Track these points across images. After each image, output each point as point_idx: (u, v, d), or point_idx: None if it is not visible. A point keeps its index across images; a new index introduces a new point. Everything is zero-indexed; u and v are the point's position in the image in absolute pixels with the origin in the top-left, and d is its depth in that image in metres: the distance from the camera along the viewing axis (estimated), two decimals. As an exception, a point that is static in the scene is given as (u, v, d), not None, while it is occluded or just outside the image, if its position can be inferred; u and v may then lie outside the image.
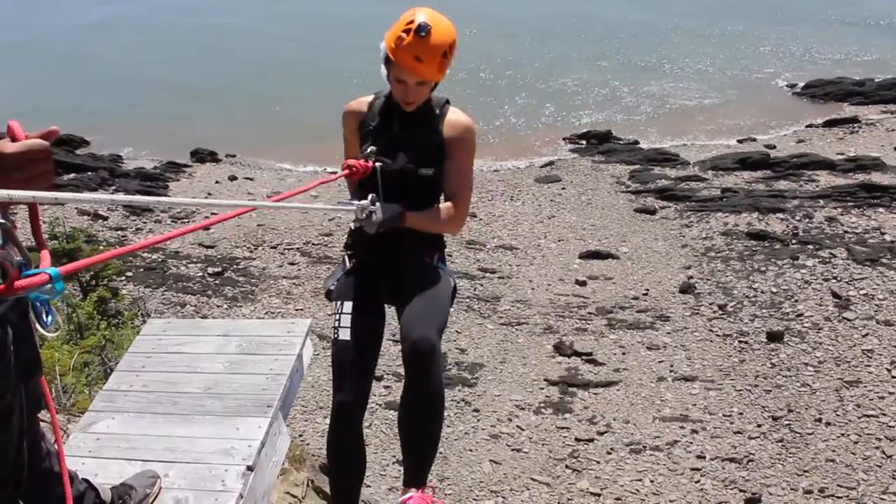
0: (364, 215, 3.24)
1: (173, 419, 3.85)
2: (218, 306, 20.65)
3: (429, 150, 3.41)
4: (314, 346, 18.59)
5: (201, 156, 32.24)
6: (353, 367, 3.51)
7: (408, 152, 3.41)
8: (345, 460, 3.52)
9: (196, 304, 20.89)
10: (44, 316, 2.17)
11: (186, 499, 3.35)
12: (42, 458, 2.71)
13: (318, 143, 32.18)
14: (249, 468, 3.46)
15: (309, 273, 22.52)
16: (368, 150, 3.46)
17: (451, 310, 3.65)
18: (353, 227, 3.58)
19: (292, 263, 23.08)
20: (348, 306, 3.64)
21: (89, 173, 29.43)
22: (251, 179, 29.82)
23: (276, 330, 4.62)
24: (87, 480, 3.00)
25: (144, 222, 25.89)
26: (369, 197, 3.27)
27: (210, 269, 22.80)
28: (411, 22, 3.10)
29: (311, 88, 37.57)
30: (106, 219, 25.81)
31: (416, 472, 3.20)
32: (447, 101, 3.50)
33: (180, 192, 28.44)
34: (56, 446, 2.79)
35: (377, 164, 3.43)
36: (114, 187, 28.37)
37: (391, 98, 3.51)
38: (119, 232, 25.06)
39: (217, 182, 29.49)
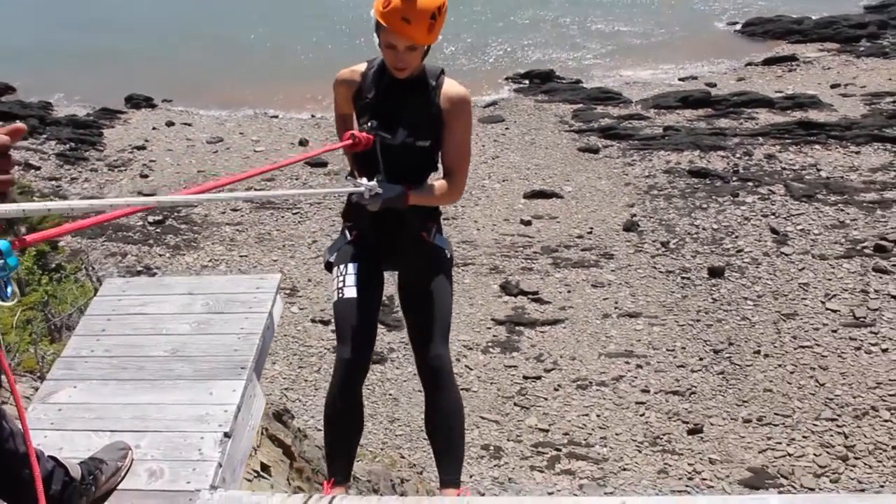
0: (369, 195, 3.21)
1: (140, 385, 3.59)
2: (160, 255, 20.20)
3: (427, 123, 3.39)
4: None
5: (136, 101, 31.07)
6: (356, 324, 3.51)
7: (406, 125, 3.37)
8: (344, 416, 3.49)
9: (137, 253, 20.40)
10: (3, 288, 2.01)
11: (162, 470, 3.10)
12: (4, 439, 2.54)
13: (258, 86, 31.41)
14: (227, 435, 3.25)
15: (252, 219, 22.13)
16: (369, 123, 3.39)
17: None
18: (353, 200, 3.50)
19: (235, 210, 22.64)
20: (351, 268, 3.65)
21: (17, 122, 28.18)
22: (189, 125, 28.95)
23: (245, 286, 4.29)
24: (53, 458, 2.79)
25: (80, 171, 25.04)
26: (375, 178, 3.25)
27: (150, 218, 22.16)
28: None
29: (253, 28, 36.49)
30: (38, 168, 24.88)
31: (450, 475, 3.34)
32: (442, 72, 3.47)
33: (116, 140, 27.54)
34: (19, 425, 2.60)
35: (377, 139, 3.37)
36: (45, 135, 27.30)
37: (385, 68, 3.42)
38: (53, 182, 24.21)
39: (154, 128, 28.57)
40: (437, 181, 3.53)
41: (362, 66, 3.56)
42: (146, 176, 24.64)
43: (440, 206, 3.77)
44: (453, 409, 3.41)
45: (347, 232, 3.78)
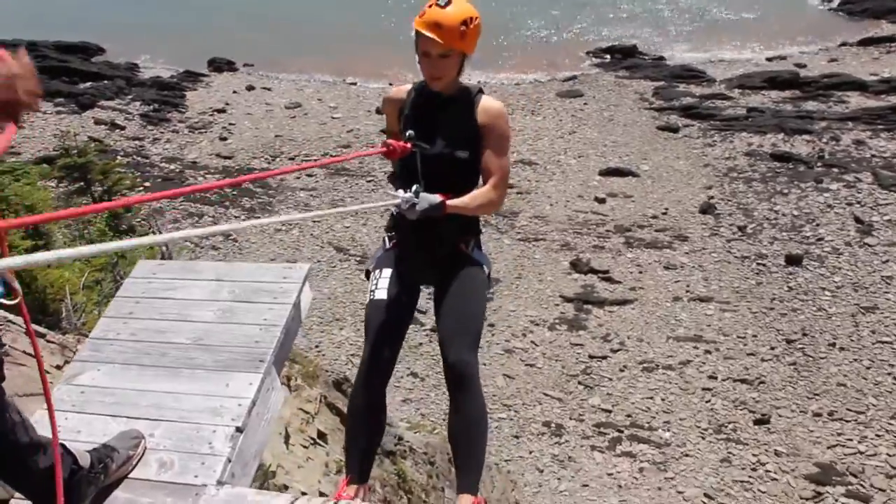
0: (407, 206, 3.35)
1: (161, 373, 3.58)
2: (235, 217, 20.65)
3: (465, 135, 3.51)
4: (330, 259, 18.70)
5: (218, 65, 31.74)
6: (384, 326, 3.57)
7: (445, 137, 3.51)
8: (364, 415, 3.51)
9: (214, 214, 20.89)
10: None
11: (172, 461, 3.09)
12: (9, 430, 2.58)
13: (336, 54, 31.63)
14: (238, 429, 3.22)
15: (326, 185, 22.41)
16: (408, 133, 3.55)
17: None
18: (394, 213, 3.60)
19: (310, 175, 22.93)
20: (387, 272, 3.73)
21: (106, 82, 29.07)
22: (269, 90, 29.41)
23: (272, 275, 4.19)
24: (62, 445, 2.82)
25: (162, 132, 25.73)
26: (413, 188, 3.39)
27: (228, 179, 22.54)
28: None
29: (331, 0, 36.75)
30: (123, 128, 25.65)
31: (467, 482, 3.32)
32: (480, 90, 3.60)
33: (197, 102, 28.17)
34: (25, 414, 2.68)
35: (415, 149, 3.52)
36: (130, 96, 28.11)
37: (425, 87, 3.64)
38: (136, 142, 24.92)
39: (234, 92, 29.13)
40: (475, 191, 3.62)
41: (407, 86, 3.76)
42: (225, 139, 25.15)
43: (479, 221, 3.86)
44: (476, 416, 3.37)
45: (387, 241, 3.86)
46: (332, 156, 23.73)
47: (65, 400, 3.46)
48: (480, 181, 3.64)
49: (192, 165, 23.46)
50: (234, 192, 21.95)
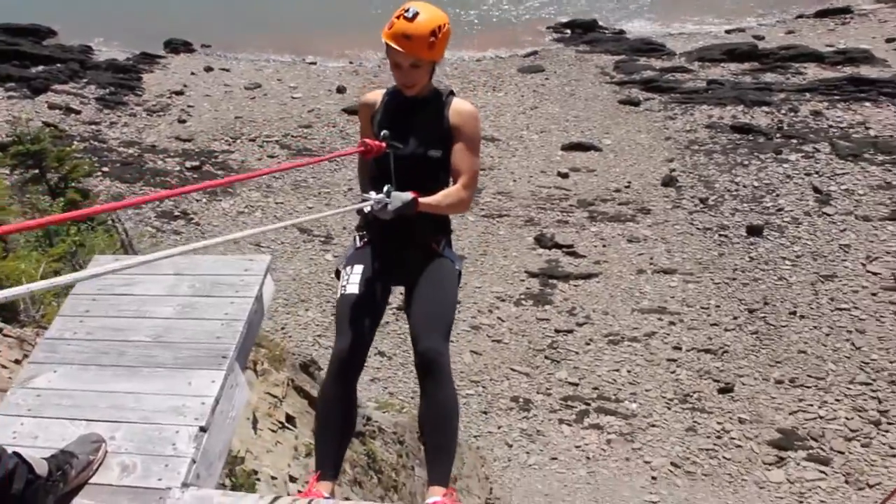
0: (380, 206, 3.39)
1: (120, 372, 3.45)
2: (197, 201, 20.36)
3: (437, 135, 3.61)
4: (293, 241, 18.55)
5: (175, 46, 31.18)
6: (355, 319, 3.54)
7: (418, 137, 3.60)
8: (335, 410, 3.46)
9: (174, 198, 20.59)
10: None
11: (134, 465, 2.99)
12: None
13: (295, 33, 31.24)
14: (202, 429, 3.11)
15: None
16: (382, 133, 3.63)
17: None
18: (367, 214, 3.58)
19: (272, 156, 22.68)
20: (358, 268, 3.72)
21: (59, 65, 28.32)
22: (227, 70, 28.98)
23: (233, 268, 4.04)
24: (17, 454, 2.71)
25: (119, 116, 25.22)
26: (385, 188, 3.43)
27: (188, 163, 22.31)
28: (403, 9, 3.41)
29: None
30: (79, 113, 25.08)
31: (438, 473, 3.30)
32: (451, 92, 3.71)
33: (154, 85, 27.66)
34: None
35: (390, 148, 3.60)
36: (85, 79, 27.49)
37: (399, 90, 3.73)
38: (93, 126, 24.40)
39: (192, 73, 28.64)
40: (446, 190, 3.67)
41: (382, 90, 3.86)
42: (184, 121, 24.76)
43: (449, 220, 3.91)
44: (447, 406, 3.34)
45: (357, 239, 3.87)
46: (293, 136, 23.52)
47: (20, 404, 3.29)
48: (451, 181, 3.70)
49: (150, 149, 23.06)
50: (196, 176, 21.64)
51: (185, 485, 2.87)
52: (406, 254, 3.72)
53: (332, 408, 3.48)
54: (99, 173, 20.56)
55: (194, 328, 3.61)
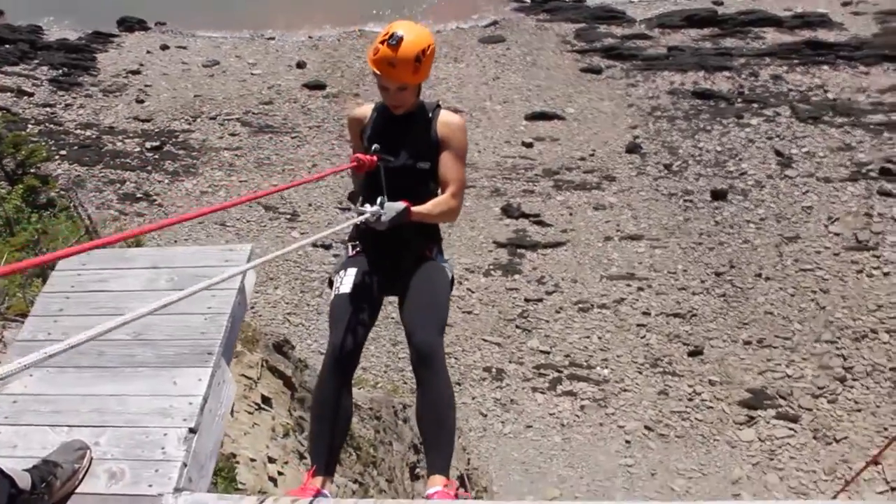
0: (375, 219, 3.45)
1: (101, 374, 3.28)
2: (159, 181, 20.01)
3: (425, 147, 3.71)
4: (259, 219, 18.33)
5: (129, 24, 30.28)
6: (350, 317, 3.54)
7: (407, 150, 3.70)
8: (330, 406, 3.41)
9: (136, 180, 20.19)
10: None
11: (122, 471, 2.85)
12: None
13: (252, 7, 30.62)
14: (192, 430, 2.99)
15: (251, 143, 21.83)
16: (373, 147, 3.70)
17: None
18: (361, 226, 3.57)
19: (233, 134, 22.32)
20: (351, 271, 3.75)
21: (7, 46, 27.44)
22: (184, 48, 28.33)
23: (213, 259, 3.86)
24: None
25: (74, 97, 24.59)
26: (378, 200, 3.50)
27: (148, 144, 21.83)
28: (387, 34, 3.45)
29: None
30: (31, 95, 24.41)
31: (437, 463, 3.30)
32: (438, 105, 3.82)
33: (110, 64, 26.98)
34: None
35: (381, 161, 3.67)
36: (36, 60, 26.72)
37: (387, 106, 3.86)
38: (47, 109, 23.76)
39: (148, 52, 27.96)
40: (436, 199, 3.75)
41: (371, 105, 3.93)
42: (142, 101, 24.23)
43: (440, 227, 3.99)
44: (444, 396, 3.35)
45: (350, 248, 3.88)
46: (254, 113, 23.19)
47: None
48: (439, 191, 3.78)
49: (109, 131, 22.57)
50: (157, 156, 21.25)
51: (177, 490, 2.75)
52: (399, 262, 3.76)
53: (326, 404, 3.44)
54: (57, 157, 20.09)
55: (176, 324, 3.43)
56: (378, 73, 3.46)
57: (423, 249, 3.81)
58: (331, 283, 3.77)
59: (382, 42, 3.42)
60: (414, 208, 3.55)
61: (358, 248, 3.85)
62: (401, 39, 3.39)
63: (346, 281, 3.66)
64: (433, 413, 3.36)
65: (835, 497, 10.33)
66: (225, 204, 2.49)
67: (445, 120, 3.71)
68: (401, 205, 3.48)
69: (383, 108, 3.78)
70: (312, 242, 18.25)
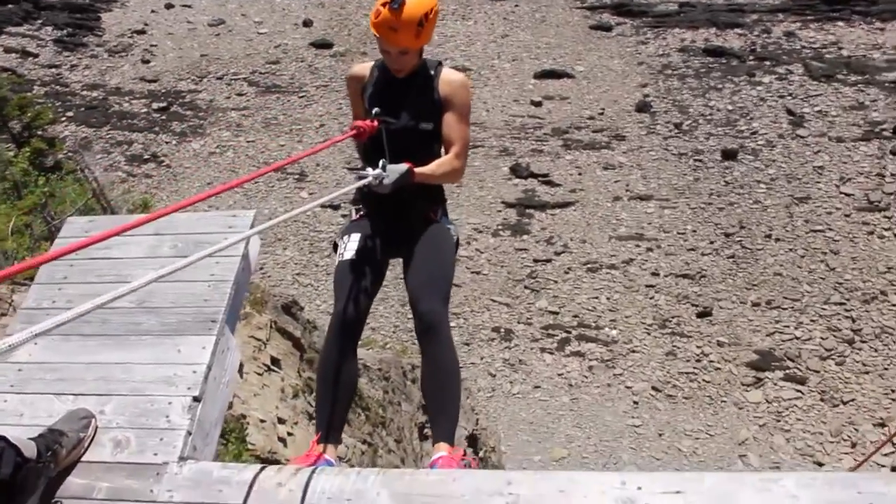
0: (378, 182, 3.34)
1: (105, 342, 3.27)
2: (167, 142, 19.94)
3: (427, 107, 3.60)
4: (267, 179, 18.28)
5: (133, -20, 30.16)
6: (353, 283, 3.52)
7: (409, 111, 3.59)
8: (336, 373, 3.42)
9: (144, 141, 20.12)
10: None
11: (127, 440, 2.86)
12: None
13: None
14: (196, 399, 2.98)
15: (258, 103, 21.70)
16: (374, 111, 3.57)
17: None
18: (364, 190, 3.51)
19: (240, 94, 22.17)
20: (355, 236, 3.67)
21: (10, 6, 27.16)
22: (189, 6, 27.99)
23: (216, 225, 3.81)
24: (3, 438, 2.57)
25: (80, 58, 24.42)
26: (380, 163, 3.39)
27: (155, 105, 21.77)
28: None
29: None
30: (37, 56, 24.23)
31: (442, 431, 3.28)
32: (440, 63, 3.68)
33: (114, 24, 26.74)
34: None
35: (382, 124, 3.55)
36: (40, 20, 26.49)
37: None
38: (53, 70, 23.62)
39: (153, 11, 27.66)
40: (439, 160, 3.65)
41: (370, 63, 3.81)
42: (148, 62, 24.06)
43: (444, 190, 3.86)
44: (448, 365, 3.34)
45: (354, 212, 3.86)
46: (260, 73, 23.01)
47: (1, 380, 3.12)
48: (443, 151, 3.69)
49: (115, 91, 22.46)
50: (164, 117, 21.16)
51: (182, 458, 2.76)
52: (403, 225, 3.71)
53: (331, 370, 3.44)
54: (64, 118, 20.03)
55: (180, 291, 3.41)
56: (379, 36, 3.40)
57: (428, 212, 3.75)
58: (335, 248, 3.75)
59: (384, 4, 3.33)
60: (417, 170, 3.49)
61: (362, 212, 3.82)
62: (403, 3, 3.31)
63: (350, 246, 3.61)
64: (437, 382, 3.37)
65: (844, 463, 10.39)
66: (235, 182, 2.46)
67: (448, 79, 3.61)
68: (403, 167, 3.43)
69: (384, 67, 3.70)
70: (318, 205, 18.15)
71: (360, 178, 3.31)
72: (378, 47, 3.50)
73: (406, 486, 2.48)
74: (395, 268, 3.81)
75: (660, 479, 2.22)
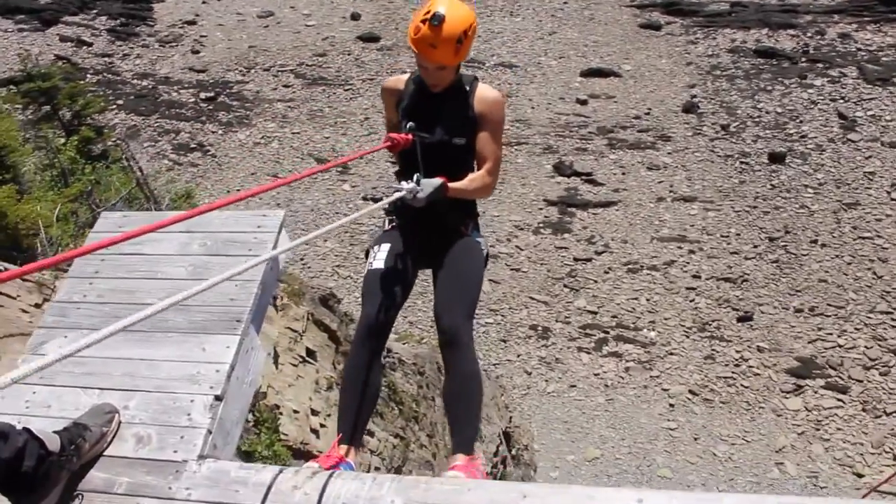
0: (412, 196, 3.40)
1: (132, 337, 3.31)
2: (213, 132, 20.25)
3: (462, 123, 3.61)
4: (317, 175, 18.44)
5: (186, -28, 30.65)
6: (381, 290, 3.51)
7: (443, 125, 3.60)
8: (359, 378, 3.48)
9: (190, 130, 20.46)
10: None
11: (149, 436, 2.91)
12: None
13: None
14: (218, 398, 3.02)
15: (304, 95, 21.92)
16: (408, 125, 3.61)
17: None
18: (398, 203, 3.56)
19: (286, 86, 22.41)
20: (385, 246, 3.74)
21: (68, -6, 27.96)
22: (240, -2, 28.53)
23: (246, 225, 3.87)
24: (28, 430, 2.62)
25: (131, 48, 24.93)
26: (414, 177, 3.44)
27: (203, 95, 22.14)
28: (428, 12, 3.32)
29: None
30: (91, 45, 24.79)
31: (461, 441, 3.34)
32: (475, 78, 3.71)
33: (166, 14, 27.23)
34: None
35: (416, 138, 3.59)
36: (95, 10, 27.05)
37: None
38: (105, 59, 24.14)
39: (204, 2, 28.01)
40: (471, 175, 3.68)
41: (405, 76, 3.81)
42: (197, 52, 24.45)
43: (476, 203, 3.92)
44: (469, 376, 3.38)
45: (386, 222, 3.97)
46: (307, 65, 23.22)
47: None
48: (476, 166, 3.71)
49: (165, 81, 22.87)
50: (211, 107, 21.49)
51: (201, 457, 2.81)
52: (435, 237, 3.73)
53: (356, 373, 3.50)
54: (114, 106, 20.45)
55: (207, 290, 3.50)
56: (417, 52, 3.39)
57: (459, 225, 3.79)
58: (367, 254, 3.80)
59: (423, 21, 3.32)
60: (450, 184, 3.52)
61: (395, 223, 3.86)
62: (443, 19, 3.29)
63: (380, 256, 3.66)
64: (459, 393, 3.42)
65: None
66: (284, 180, 2.51)
67: (483, 96, 3.62)
68: (437, 181, 3.44)
69: (420, 81, 3.69)
70: (348, 222, 18.21)
71: (395, 191, 3.38)
72: (416, 61, 3.50)
73: (421, 494, 2.50)
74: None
75: (676, 499, 2.22)
